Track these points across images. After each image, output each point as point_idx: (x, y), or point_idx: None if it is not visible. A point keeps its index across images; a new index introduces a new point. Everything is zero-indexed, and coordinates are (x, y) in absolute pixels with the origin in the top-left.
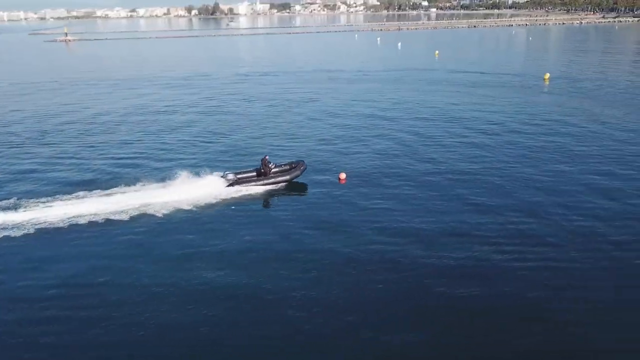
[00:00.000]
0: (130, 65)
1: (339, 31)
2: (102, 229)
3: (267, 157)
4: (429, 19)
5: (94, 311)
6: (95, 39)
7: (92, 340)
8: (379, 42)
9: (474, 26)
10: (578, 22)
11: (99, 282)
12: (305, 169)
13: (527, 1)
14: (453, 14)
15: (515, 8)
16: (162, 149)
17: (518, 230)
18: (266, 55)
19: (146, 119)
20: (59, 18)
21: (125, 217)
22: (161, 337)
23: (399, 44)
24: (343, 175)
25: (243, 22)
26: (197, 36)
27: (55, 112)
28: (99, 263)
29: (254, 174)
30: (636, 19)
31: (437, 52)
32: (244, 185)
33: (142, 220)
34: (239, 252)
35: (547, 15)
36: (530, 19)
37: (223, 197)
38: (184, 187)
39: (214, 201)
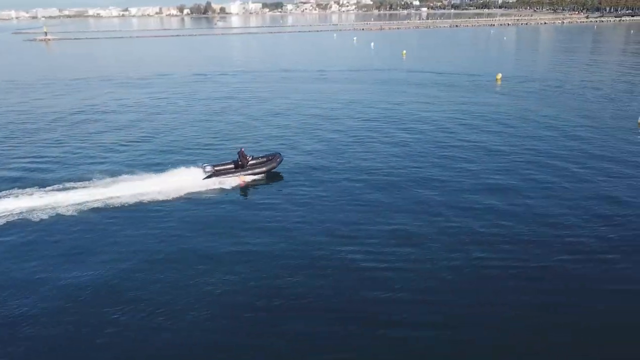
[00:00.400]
0: (103, 65)
1: (322, 30)
2: (66, 221)
3: (243, 149)
4: (420, 18)
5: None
6: (75, 39)
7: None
8: (355, 41)
9: (456, 26)
10: (560, 22)
11: (61, 274)
12: (282, 160)
13: (516, 1)
14: (443, 14)
15: (505, 8)
16: (134, 143)
17: (447, 225)
18: (237, 54)
19: (106, 117)
20: (50, 17)
21: (101, 207)
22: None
23: (372, 43)
24: (242, 180)
25: (235, 21)
26: (178, 35)
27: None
28: (66, 254)
29: (232, 165)
30: (617, 18)
31: (404, 52)
32: (222, 176)
33: (117, 211)
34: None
35: (531, 15)
36: (514, 18)
37: (201, 188)
38: (162, 179)
39: (192, 192)
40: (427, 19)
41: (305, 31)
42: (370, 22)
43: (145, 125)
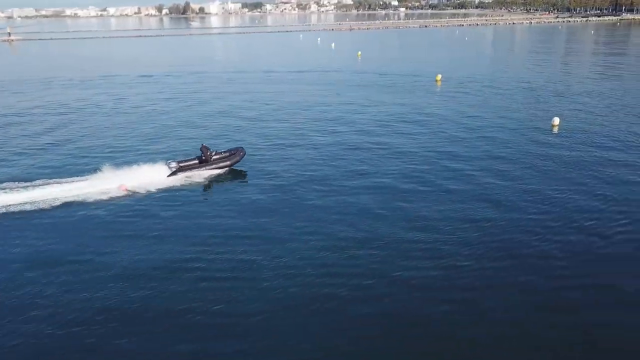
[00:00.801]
0: (58, 65)
1: (293, 31)
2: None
3: (204, 145)
4: (398, 18)
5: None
6: (39, 39)
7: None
8: (319, 42)
9: (425, 26)
10: (529, 22)
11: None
12: (245, 155)
13: (492, 1)
14: (421, 14)
15: (482, 8)
16: (99, 142)
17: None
18: (194, 55)
19: (40, 118)
20: (26, 17)
21: (63, 205)
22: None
23: (333, 44)
24: (124, 187)
25: (214, 21)
26: (148, 36)
27: None
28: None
29: (196, 161)
30: (585, 19)
31: (359, 53)
32: (188, 172)
33: (79, 209)
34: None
35: (502, 16)
36: (484, 19)
37: (168, 184)
38: (128, 175)
39: (158, 188)
40: (405, 19)
41: (275, 31)
42: (343, 23)
43: (80, 126)
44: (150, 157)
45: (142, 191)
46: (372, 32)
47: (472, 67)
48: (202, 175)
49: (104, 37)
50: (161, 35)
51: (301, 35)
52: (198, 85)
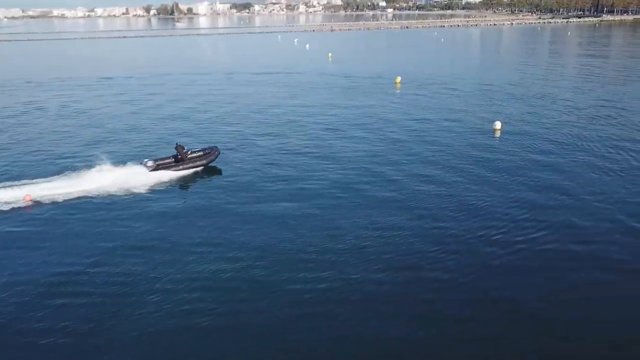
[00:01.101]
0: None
1: (275, 32)
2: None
3: (178, 144)
4: (386, 19)
5: None
6: (8, 40)
7: None
8: (295, 43)
9: (407, 27)
10: (509, 23)
11: None
12: (219, 154)
13: (479, 2)
14: (409, 15)
15: (468, 9)
16: (72, 141)
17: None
18: (164, 55)
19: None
20: (13, 17)
21: (42, 206)
22: None
23: (307, 45)
24: (28, 197)
25: (202, 22)
26: (124, 37)
27: None
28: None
29: (172, 160)
30: (565, 20)
31: (330, 54)
32: (164, 170)
33: (51, 209)
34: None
35: (485, 17)
36: (464, 20)
37: (144, 183)
38: (103, 175)
39: (135, 187)
40: (393, 19)
41: (257, 32)
42: (326, 24)
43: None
44: (89, 162)
45: (122, 189)
46: (352, 33)
47: (436, 68)
48: (178, 175)
49: (82, 38)
50: (141, 37)
51: (279, 37)
52: (156, 88)
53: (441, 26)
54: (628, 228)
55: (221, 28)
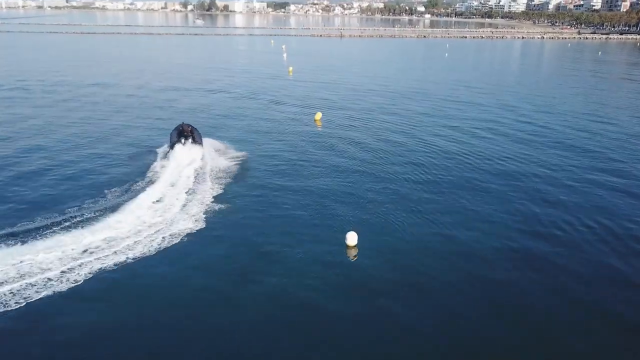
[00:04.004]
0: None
1: (273, 35)
2: None
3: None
4: (424, 25)
5: None
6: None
7: None
8: (283, 48)
9: (424, 36)
10: (541, 36)
11: None
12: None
13: (520, 12)
14: (446, 22)
15: (508, 18)
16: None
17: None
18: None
19: None
20: (56, 7)
21: None
22: None
23: (285, 54)
24: None
25: (238, 20)
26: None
27: None
28: None
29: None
30: (605, 36)
31: (291, 68)
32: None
33: None
34: None
35: (514, 28)
36: (487, 31)
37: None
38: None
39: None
40: (431, 25)
41: (268, 34)
42: (333, 29)
43: None
44: None
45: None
46: (360, 41)
47: (380, 96)
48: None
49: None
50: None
51: (272, 41)
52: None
53: (463, 37)
54: None
55: (238, 28)
